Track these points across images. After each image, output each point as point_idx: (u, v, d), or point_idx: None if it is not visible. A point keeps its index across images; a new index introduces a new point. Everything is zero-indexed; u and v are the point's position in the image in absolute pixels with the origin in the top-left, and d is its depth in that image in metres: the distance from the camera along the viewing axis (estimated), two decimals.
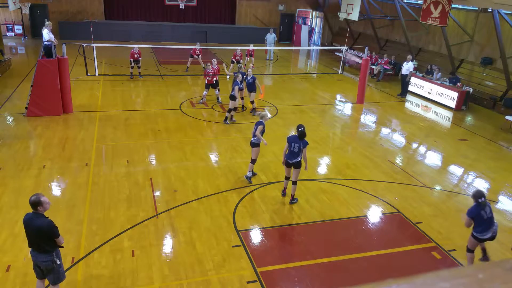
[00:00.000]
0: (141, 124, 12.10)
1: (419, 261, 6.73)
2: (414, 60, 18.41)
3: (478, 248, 6.48)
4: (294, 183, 8.00)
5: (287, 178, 8.22)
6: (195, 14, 29.16)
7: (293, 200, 8.12)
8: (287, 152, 7.88)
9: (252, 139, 8.78)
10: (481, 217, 5.95)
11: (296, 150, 7.74)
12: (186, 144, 10.83)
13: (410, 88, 17.37)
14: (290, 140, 7.81)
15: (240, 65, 15.35)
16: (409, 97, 17.04)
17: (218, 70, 14.44)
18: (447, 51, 17.29)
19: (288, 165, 7.93)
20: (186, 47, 18.71)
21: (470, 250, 6.32)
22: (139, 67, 16.78)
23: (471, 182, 9.91)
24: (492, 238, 6.15)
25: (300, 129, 7.72)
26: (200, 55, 18.80)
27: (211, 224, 7.31)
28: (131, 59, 16.51)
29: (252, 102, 13.42)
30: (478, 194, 6.02)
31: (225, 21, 29.87)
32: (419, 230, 7.55)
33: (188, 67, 18.77)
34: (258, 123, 8.66)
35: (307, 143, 7.79)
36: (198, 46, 18.32)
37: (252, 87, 13.02)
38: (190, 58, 18.62)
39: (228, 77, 13.08)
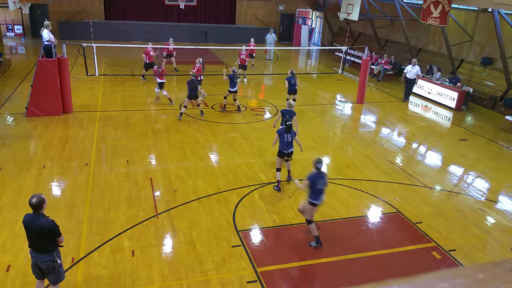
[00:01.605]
0: (141, 124, 12.10)
1: (419, 261, 6.73)
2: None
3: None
4: (288, 160, 8.98)
5: (279, 170, 8.69)
6: (195, 14, 29.15)
7: (290, 177, 9.01)
8: (277, 143, 8.66)
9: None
10: (316, 185, 6.63)
11: (290, 140, 8.56)
12: (186, 144, 10.83)
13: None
14: (281, 132, 8.54)
15: (235, 69, 13.70)
16: (410, 98, 17.01)
17: (199, 70, 14.17)
18: (447, 51, 17.29)
19: (283, 155, 8.63)
20: (186, 47, 18.72)
21: (310, 222, 6.90)
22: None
23: (471, 182, 9.92)
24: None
25: (288, 123, 8.53)
26: (155, 54, 16.68)
27: (211, 224, 7.31)
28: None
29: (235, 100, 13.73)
30: (317, 160, 6.73)
31: (225, 21, 29.87)
32: (419, 230, 7.56)
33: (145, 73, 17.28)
34: (293, 113, 9.73)
35: (295, 132, 8.72)
36: (150, 45, 16.83)
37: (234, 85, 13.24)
38: (142, 58, 16.94)
39: (224, 77, 12.98)
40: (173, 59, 18.29)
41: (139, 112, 13.25)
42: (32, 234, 4.89)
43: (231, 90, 13.21)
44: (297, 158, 10.34)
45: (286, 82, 12.86)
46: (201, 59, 14.43)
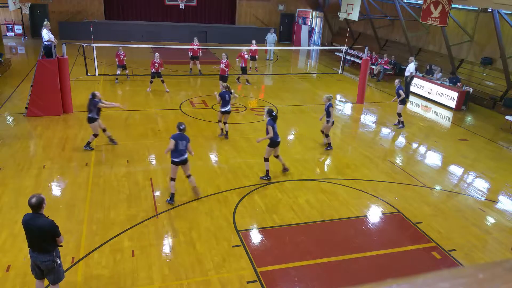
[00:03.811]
0: (141, 124, 12.09)
1: (419, 261, 6.73)
2: (414, 60, 18.38)
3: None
4: (279, 155, 9.15)
5: (267, 160, 9.01)
6: (195, 14, 29.16)
7: (287, 169, 9.31)
8: (273, 134, 8.78)
9: (329, 119, 10.61)
10: (177, 145, 7.70)
11: (277, 130, 8.87)
12: None
13: (410, 88, 17.32)
14: (272, 123, 8.78)
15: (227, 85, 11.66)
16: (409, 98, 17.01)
17: (160, 64, 15.10)
18: (447, 51, 17.29)
19: (275, 145, 8.90)
20: (186, 47, 18.72)
21: (172, 179, 7.84)
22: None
23: (471, 182, 9.92)
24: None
25: (274, 113, 8.91)
26: (125, 58, 16.54)
27: (211, 224, 7.31)
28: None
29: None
30: (179, 123, 7.91)
31: (225, 21, 29.87)
32: (419, 230, 7.55)
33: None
34: (330, 105, 10.51)
35: None
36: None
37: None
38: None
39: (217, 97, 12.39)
40: (198, 61, 18.05)
41: (139, 112, 13.24)
42: (32, 234, 4.89)
43: (222, 110, 11.05)
44: (297, 158, 10.35)
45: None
46: (158, 54, 15.16)
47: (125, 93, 15.33)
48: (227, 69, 14.99)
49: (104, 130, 10.25)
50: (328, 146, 11.00)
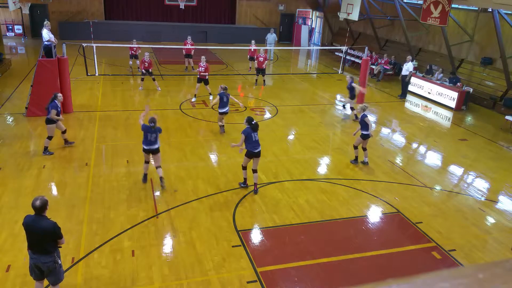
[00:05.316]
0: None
1: (419, 261, 6.73)
2: (414, 60, 18.38)
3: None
4: (256, 171, 8.42)
5: (245, 168, 8.52)
6: (195, 14, 29.16)
7: (256, 190, 8.48)
8: (243, 145, 8.23)
9: (367, 132, 9.73)
10: (147, 136, 8.24)
11: (257, 139, 8.23)
12: (186, 144, 10.83)
13: (410, 88, 17.35)
14: (248, 132, 8.17)
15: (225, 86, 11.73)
16: (409, 97, 17.03)
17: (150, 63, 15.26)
18: (447, 51, 17.28)
19: (252, 155, 8.25)
20: (186, 47, 18.70)
21: (145, 162, 8.45)
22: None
23: (471, 182, 9.92)
24: None
25: (253, 122, 8.26)
26: (139, 51, 17.68)
27: (211, 224, 7.31)
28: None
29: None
30: (151, 119, 8.11)
31: (225, 21, 29.89)
32: (419, 230, 7.56)
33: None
34: (365, 116, 9.75)
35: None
36: (135, 44, 17.51)
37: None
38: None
39: (212, 101, 12.45)
40: (191, 60, 18.81)
41: (139, 112, 13.23)
42: (34, 236, 4.88)
43: (221, 111, 11.31)
44: (297, 158, 10.35)
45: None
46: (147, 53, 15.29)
47: (125, 92, 15.33)
48: (206, 73, 14.20)
49: (63, 132, 9.95)
50: (356, 160, 10.23)
